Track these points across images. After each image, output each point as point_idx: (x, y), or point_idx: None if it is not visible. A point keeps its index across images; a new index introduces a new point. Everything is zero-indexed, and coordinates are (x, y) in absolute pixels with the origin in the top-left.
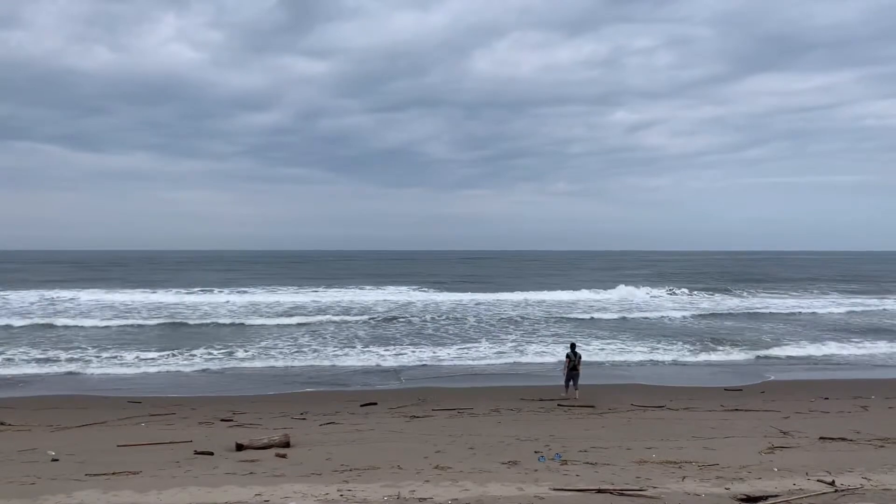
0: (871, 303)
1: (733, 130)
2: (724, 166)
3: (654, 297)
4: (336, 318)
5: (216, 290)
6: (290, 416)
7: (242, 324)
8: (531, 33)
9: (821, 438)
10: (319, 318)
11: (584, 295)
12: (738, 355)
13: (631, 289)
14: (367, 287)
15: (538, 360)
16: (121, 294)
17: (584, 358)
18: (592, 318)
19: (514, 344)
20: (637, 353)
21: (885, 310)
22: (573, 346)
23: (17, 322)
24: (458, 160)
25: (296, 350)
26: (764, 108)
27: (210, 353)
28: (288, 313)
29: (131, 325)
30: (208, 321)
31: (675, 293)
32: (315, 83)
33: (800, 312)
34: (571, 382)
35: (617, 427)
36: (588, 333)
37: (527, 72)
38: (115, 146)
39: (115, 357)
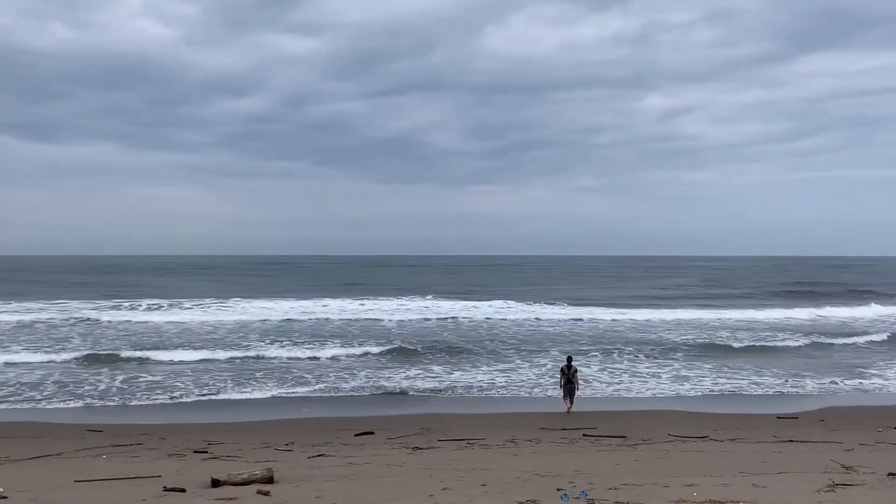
0: None
1: (783, 117)
2: (773, 158)
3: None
4: (337, 340)
5: (190, 302)
6: (273, 447)
7: (224, 341)
8: (550, 6)
9: (889, 475)
10: (322, 342)
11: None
12: None
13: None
14: (369, 298)
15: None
16: (87, 308)
17: None
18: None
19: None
20: None
21: None
22: (569, 359)
23: None
24: (467, 152)
25: (287, 371)
26: (819, 91)
27: (185, 377)
28: (278, 329)
29: (92, 353)
30: (180, 340)
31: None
32: (303, 64)
33: None
34: (568, 396)
35: (652, 461)
36: None
37: (545, 51)
38: (75, 135)
39: (72, 381)
